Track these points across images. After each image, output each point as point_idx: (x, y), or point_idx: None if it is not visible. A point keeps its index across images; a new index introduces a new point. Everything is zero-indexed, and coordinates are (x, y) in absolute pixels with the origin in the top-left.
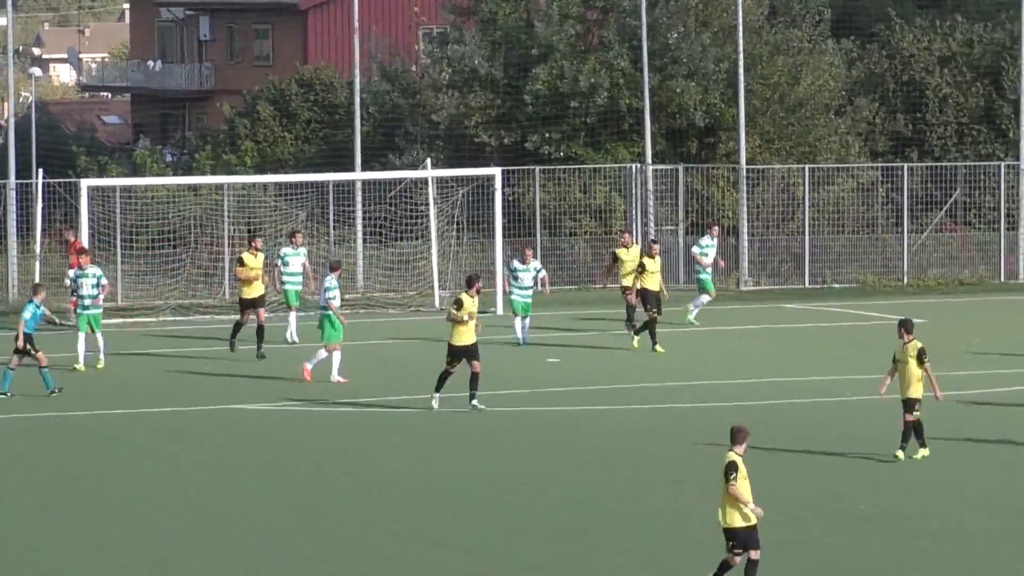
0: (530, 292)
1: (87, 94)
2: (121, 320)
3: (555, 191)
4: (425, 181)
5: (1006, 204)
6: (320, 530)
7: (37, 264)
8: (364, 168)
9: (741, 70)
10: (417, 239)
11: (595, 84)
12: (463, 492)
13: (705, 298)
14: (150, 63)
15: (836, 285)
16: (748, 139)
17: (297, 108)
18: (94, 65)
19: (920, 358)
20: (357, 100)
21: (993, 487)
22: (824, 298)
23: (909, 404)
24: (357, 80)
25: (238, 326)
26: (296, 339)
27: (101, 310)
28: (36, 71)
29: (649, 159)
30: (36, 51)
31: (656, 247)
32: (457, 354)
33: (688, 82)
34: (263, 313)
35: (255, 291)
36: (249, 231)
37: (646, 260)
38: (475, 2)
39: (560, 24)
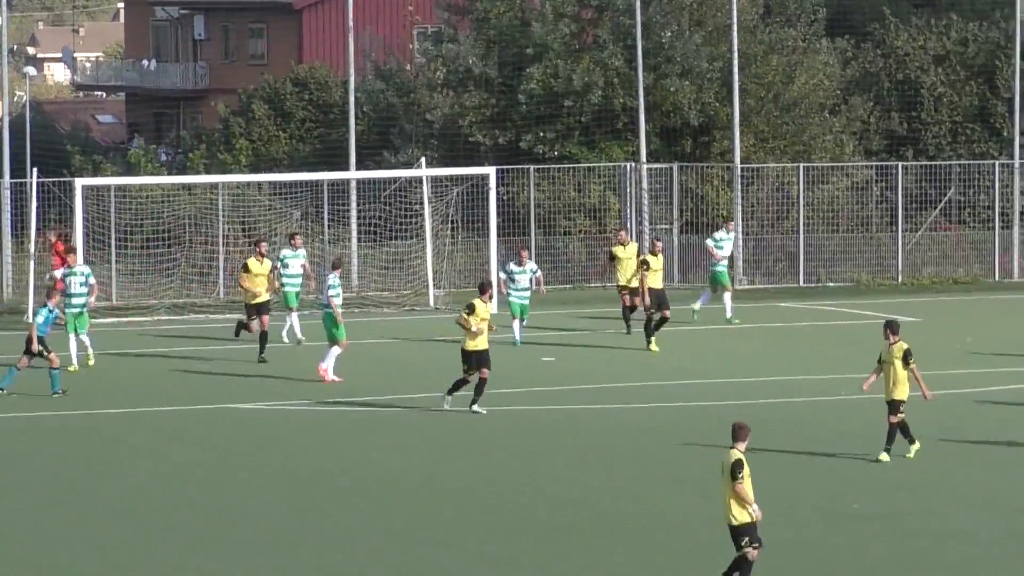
0: (527, 294)
1: (82, 93)
2: (115, 319)
3: (550, 190)
4: (420, 180)
5: (1000, 203)
6: (319, 530)
7: (32, 264)
8: (359, 167)
9: (736, 69)
10: (412, 238)
11: (589, 83)
12: (462, 492)
13: (708, 295)
14: (145, 62)
15: (831, 284)
16: (742, 138)
17: (292, 107)
18: (88, 64)
19: (905, 359)
20: (352, 99)
21: (991, 486)
22: (819, 297)
23: (894, 406)
24: (352, 79)
25: (243, 326)
26: (302, 337)
27: (85, 311)
28: (31, 70)
29: (644, 158)
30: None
31: (659, 245)
32: (470, 360)
33: (682, 81)
34: (267, 320)
35: (261, 297)
36: (243, 230)
37: (650, 258)
38: (470, 1)
39: (555, 23)
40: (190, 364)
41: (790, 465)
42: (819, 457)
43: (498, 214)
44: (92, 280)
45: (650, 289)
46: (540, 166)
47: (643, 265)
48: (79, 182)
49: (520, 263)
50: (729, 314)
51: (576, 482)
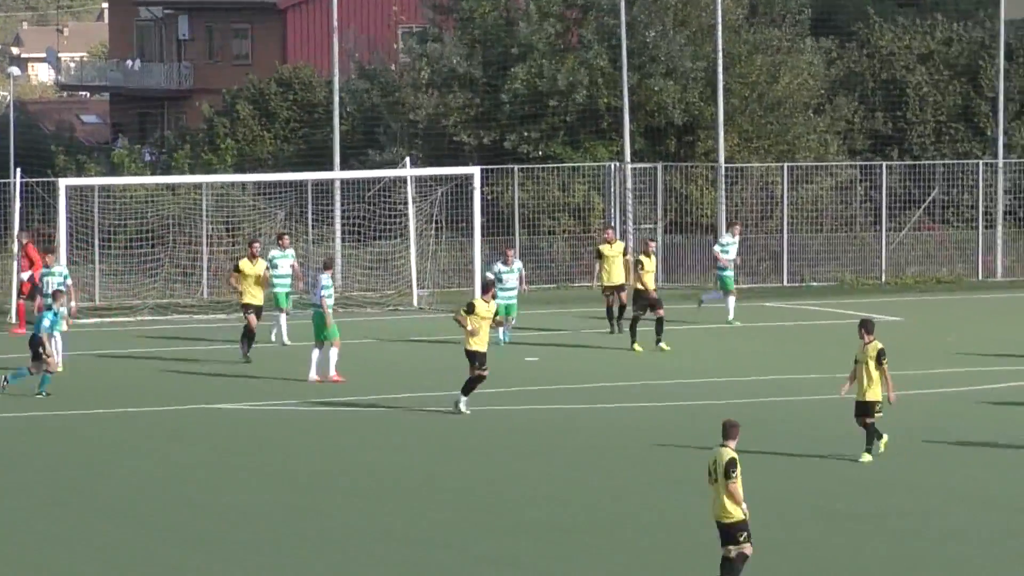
0: (514, 293)
1: (66, 93)
2: (99, 320)
3: (534, 190)
4: (404, 180)
5: (984, 202)
6: (319, 530)
7: (15, 264)
8: (343, 167)
9: (720, 69)
10: (396, 238)
11: (574, 83)
12: (460, 492)
13: (718, 295)
14: (129, 62)
15: (814, 283)
16: (727, 138)
17: (276, 107)
18: (73, 64)
19: (879, 359)
20: (336, 99)
21: (982, 485)
22: (802, 296)
23: (870, 406)
24: (336, 79)
25: (250, 337)
26: (288, 342)
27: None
28: (14, 70)
29: (628, 158)
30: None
31: (653, 245)
32: (474, 359)
33: (667, 81)
34: (254, 320)
35: (257, 298)
36: (227, 230)
37: (643, 259)
38: (454, 0)
39: (540, 23)
40: (178, 364)
41: (782, 464)
42: (806, 455)
43: (482, 214)
44: (70, 282)
45: (642, 290)
46: (524, 166)
47: (637, 265)
48: (63, 182)
49: (507, 262)
50: (731, 316)
51: (573, 482)
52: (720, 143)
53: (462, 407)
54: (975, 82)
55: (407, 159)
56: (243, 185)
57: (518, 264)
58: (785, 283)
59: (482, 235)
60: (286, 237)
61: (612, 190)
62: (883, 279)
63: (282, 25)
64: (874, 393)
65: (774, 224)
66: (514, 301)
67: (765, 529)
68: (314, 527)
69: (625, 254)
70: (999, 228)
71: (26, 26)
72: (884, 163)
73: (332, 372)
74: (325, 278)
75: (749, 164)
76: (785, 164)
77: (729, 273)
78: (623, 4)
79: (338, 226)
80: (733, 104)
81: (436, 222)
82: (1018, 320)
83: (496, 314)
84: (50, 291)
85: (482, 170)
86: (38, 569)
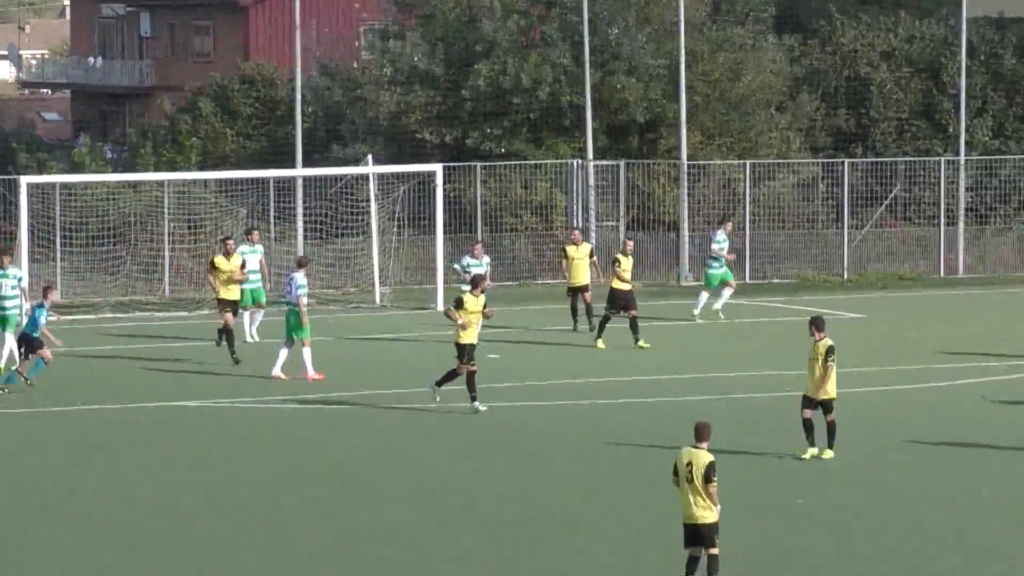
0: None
1: (27, 91)
2: (57, 317)
3: (496, 187)
4: (366, 177)
5: (945, 199)
6: (279, 529)
7: None
8: (305, 164)
9: (683, 66)
10: (358, 235)
11: (537, 80)
12: (424, 490)
13: (705, 296)
14: (90, 60)
15: (776, 280)
16: (689, 135)
17: (238, 104)
18: (34, 62)
19: (826, 356)
20: (299, 96)
21: (933, 482)
22: (765, 293)
23: (826, 406)
24: (299, 76)
25: (229, 334)
26: (256, 338)
27: (12, 313)
28: None
29: (590, 155)
30: None
31: (630, 244)
32: (463, 352)
33: (629, 78)
34: (230, 318)
35: (232, 293)
36: (189, 228)
37: (620, 257)
38: None
39: (504, 20)
40: (140, 363)
41: (739, 461)
42: (768, 454)
43: (445, 211)
44: (24, 285)
45: (617, 289)
46: (487, 163)
47: (614, 263)
48: (24, 180)
49: (475, 256)
50: (719, 307)
51: (537, 479)
52: (682, 140)
53: (479, 406)
54: (937, 79)
55: (369, 157)
56: (205, 182)
57: (486, 259)
58: (747, 280)
59: (444, 232)
60: (255, 233)
61: (575, 187)
62: (845, 276)
63: (244, 22)
64: (828, 391)
65: (736, 222)
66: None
67: (723, 525)
68: (278, 527)
69: (592, 256)
70: (961, 225)
71: None
72: (846, 160)
73: (310, 371)
74: (300, 276)
75: (711, 161)
76: (747, 161)
77: (721, 269)
78: (586, 1)
79: (300, 223)
80: (695, 102)
81: (398, 219)
82: (980, 317)
83: (484, 306)
84: (3, 292)
85: (444, 167)
86: None
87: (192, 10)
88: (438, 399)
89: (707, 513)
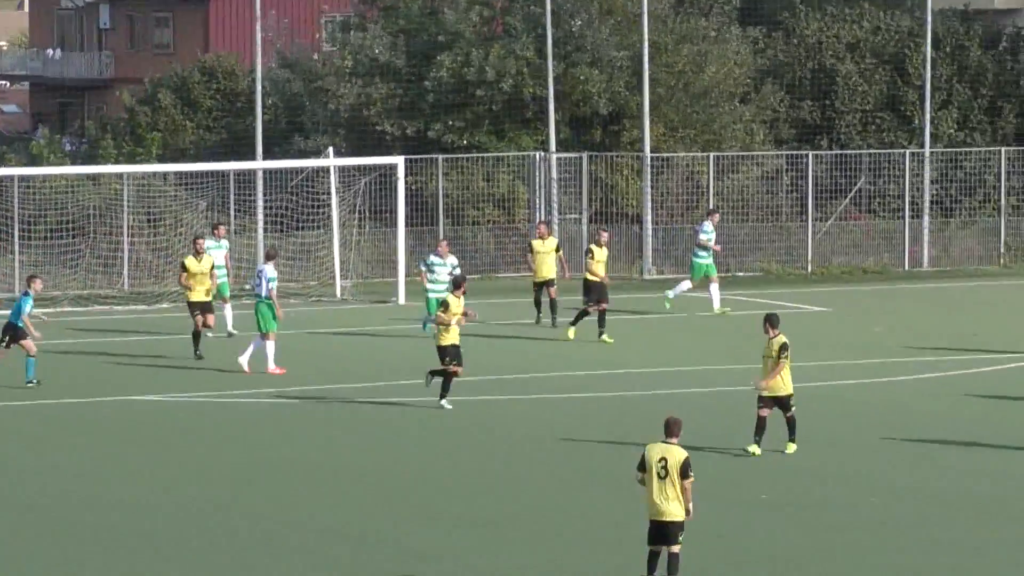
0: (445, 287)
1: None
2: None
3: (458, 180)
4: (327, 170)
5: (910, 192)
6: (243, 526)
7: None
8: (266, 157)
9: (646, 58)
10: (319, 228)
11: (500, 72)
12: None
13: (687, 284)
14: (49, 51)
15: (740, 274)
16: (652, 127)
17: (199, 96)
18: None
19: (780, 352)
20: (259, 88)
21: (894, 475)
22: (729, 287)
23: (783, 402)
24: (259, 68)
25: (196, 336)
26: (234, 331)
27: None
28: None
29: (553, 147)
30: None
31: (605, 236)
32: (445, 354)
33: (592, 70)
34: (212, 319)
35: (201, 295)
36: (149, 221)
37: (595, 248)
38: None
39: (466, 11)
40: (95, 356)
41: (702, 456)
42: (731, 449)
43: (406, 204)
44: None
45: (591, 280)
46: (449, 156)
47: (587, 254)
48: None
49: (440, 254)
50: (672, 295)
51: (499, 474)
52: (646, 133)
53: (445, 404)
54: (902, 71)
55: (330, 149)
56: (165, 175)
57: (452, 259)
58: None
59: (406, 225)
60: (222, 227)
61: (537, 180)
62: (809, 269)
63: (204, 14)
64: (785, 388)
65: (700, 214)
66: (445, 295)
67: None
68: (241, 523)
69: (558, 250)
70: (925, 218)
71: None
72: (811, 152)
73: (271, 366)
74: (270, 268)
75: (675, 154)
76: (711, 154)
77: (707, 260)
78: None
79: (260, 216)
80: (659, 93)
81: (359, 212)
82: (945, 311)
83: (428, 312)
84: None
85: (406, 160)
86: None
87: (152, 2)
88: (447, 406)
89: (676, 509)
